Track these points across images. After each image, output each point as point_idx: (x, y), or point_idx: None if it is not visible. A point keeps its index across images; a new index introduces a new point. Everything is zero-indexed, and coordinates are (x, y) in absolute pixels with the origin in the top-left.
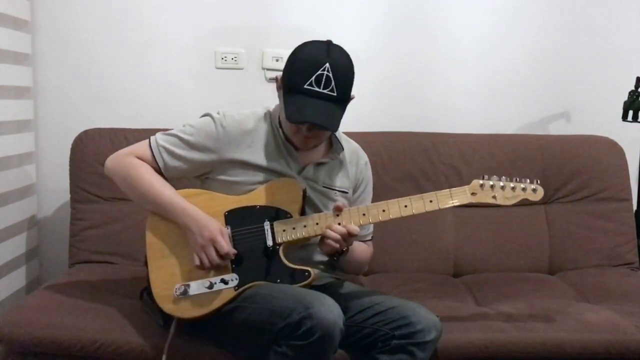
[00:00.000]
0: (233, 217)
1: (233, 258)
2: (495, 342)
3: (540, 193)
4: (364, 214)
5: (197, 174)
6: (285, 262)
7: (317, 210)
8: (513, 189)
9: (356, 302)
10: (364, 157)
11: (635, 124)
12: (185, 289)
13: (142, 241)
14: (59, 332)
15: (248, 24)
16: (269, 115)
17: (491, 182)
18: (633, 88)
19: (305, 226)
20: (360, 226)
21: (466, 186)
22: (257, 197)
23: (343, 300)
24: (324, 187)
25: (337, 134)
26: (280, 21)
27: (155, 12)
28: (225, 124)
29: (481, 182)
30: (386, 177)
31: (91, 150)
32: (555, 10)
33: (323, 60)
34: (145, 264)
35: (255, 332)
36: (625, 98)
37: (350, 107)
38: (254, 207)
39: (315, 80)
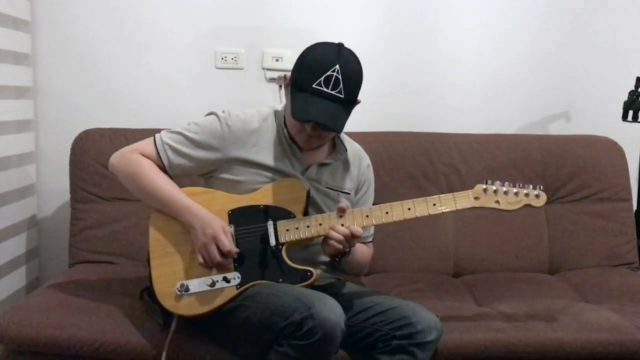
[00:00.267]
0: (236, 216)
1: (235, 257)
2: (495, 342)
3: (543, 199)
4: (367, 216)
5: (202, 173)
6: (288, 261)
7: (320, 210)
8: (516, 194)
9: (357, 302)
10: (366, 159)
11: (635, 124)
12: (187, 286)
13: (142, 240)
14: (59, 332)
15: (248, 24)
16: (274, 115)
17: (494, 187)
18: (633, 88)
19: (308, 226)
20: (363, 228)
21: (469, 190)
22: (261, 197)
23: (344, 301)
24: (327, 187)
25: (340, 135)
26: (280, 21)
27: (155, 12)
28: (231, 123)
29: (484, 186)
30: (386, 177)
31: (91, 150)
32: (556, 11)
33: (333, 62)
34: (148, 260)
35: (256, 331)
36: (625, 98)
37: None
38: (257, 206)
39: (324, 80)
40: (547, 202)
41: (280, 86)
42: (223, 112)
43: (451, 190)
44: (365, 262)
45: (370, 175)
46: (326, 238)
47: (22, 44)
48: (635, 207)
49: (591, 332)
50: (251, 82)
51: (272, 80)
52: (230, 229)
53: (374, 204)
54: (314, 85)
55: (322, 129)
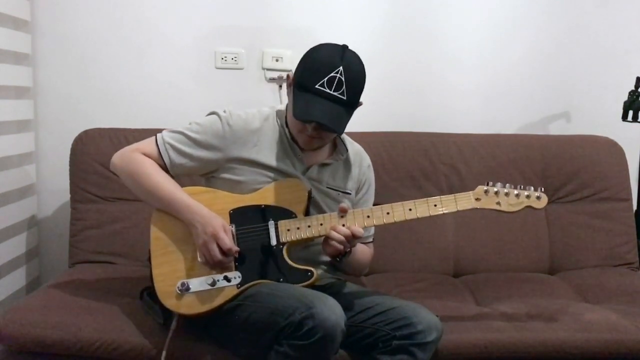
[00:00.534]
0: (238, 216)
1: (236, 256)
2: (495, 342)
3: (544, 201)
4: (368, 216)
5: (203, 172)
6: (289, 261)
7: (321, 210)
8: (517, 196)
9: (357, 302)
10: (367, 160)
11: (635, 124)
12: (187, 285)
13: (143, 240)
14: (59, 332)
15: (248, 24)
16: (275, 115)
17: (495, 189)
18: (633, 88)
19: (309, 226)
20: (364, 228)
21: (471, 192)
22: (262, 197)
23: (344, 301)
24: (327, 187)
25: (341, 135)
26: (280, 21)
27: (155, 12)
28: (232, 123)
29: (485, 188)
30: (386, 177)
31: (91, 150)
32: (555, 11)
33: (337, 64)
34: (149, 259)
35: (256, 330)
36: (625, 98)
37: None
38: (259, 206)
39: (327, 81)
40: (547, 202)
41: (280, 86)
42: (224, 111)
43: (451, 190)
44: (366, 262)
45: (370, 175)
46: (327, 238)
47: (22, 44)
48: (635, 207)
49: (591, 332)
50: (251, 82)
51: (272, 80)
52: (231, 228)
53: (374, 204)
54: (316, 86)
55: (324, 129)
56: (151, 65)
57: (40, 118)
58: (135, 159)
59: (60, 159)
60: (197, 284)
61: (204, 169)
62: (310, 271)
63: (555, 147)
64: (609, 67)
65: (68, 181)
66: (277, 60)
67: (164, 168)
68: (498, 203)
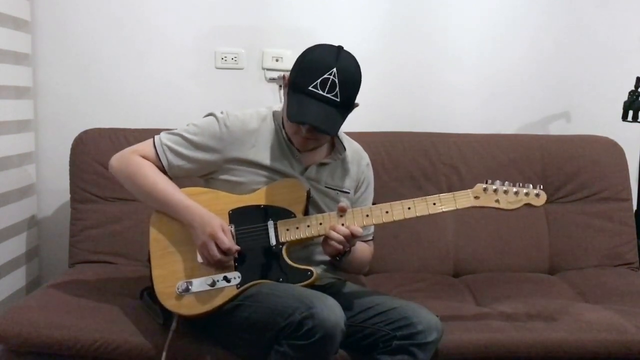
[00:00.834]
0: (237, 216)
1: (236, 255)
2: (495, 342)
3: (543, 198)
4: (367, 215)
5: (201, 174)
6: (288, 261)
7: (320, 210)
8: (516, 193)
9: (357, 302)
10: (365, 158)
11: (635, 124)
12: (187, 286)
13: (142, 240)
14: (59, 332)
15: (248, 24)
16: (272, 115)
17: (494, 187)
18: (633, 88)
19: (308, 226)
20: (363, 227)
21: (469, 190)
22: (261, 197)
23: (344, 301)
24: (326, 187)
25: (339, 134)
26: (280, 21)
27: (155, 13)
28: (229, 124)
29: (484, 186)
30: (386, 177)
31: (91, 150)
32: (555, 11)
33: (331, 65)
34: (149, 260)
35: (256, 331)
36: (625, 98)
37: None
38: (258, 206)
39: (321, 83)
40: (547, 202)
41: (280, 86)
42: (222, 112)
43: (451, 190)
44: (366, 261)
45: (369, 174)
46: (326, 238)
47: (22, 44)
48: (635, 207)
49: (591, 332)
50: (251, 82)
51: (272, 80)
52: (230, 228)
53: (373, 204)
54: (310, 88)
55: (317, 131)
56: (151, 65)
57: (40, 118)
58: (134, 161)
59: (60, 159)
60: (197, 284)
61: (203, 171)
62: (310, 271)
63: (555, 147)
64: (609, 67)
65: (68, 181)
66: (277, 60)
67: (162, 170)
68: (497, 201)
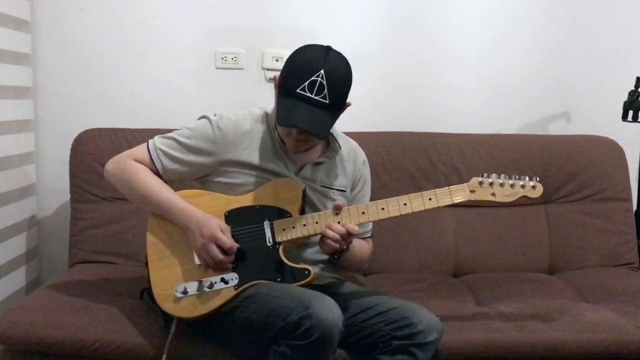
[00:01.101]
0: (233, 217)
1: (234, 252)
2: (495, 342)
3: (539, 190)
4: (363, 212)
5: (196, 177)
6: (285, 261)
7: (316, 209)
8: (512, 186)
9: (357, 302)
10: (361, 155)
11: (635, 124)
12: (185, 288)
13: (142, 241)
14: (59, 332)
15: (248, 24)
16: (265, 116)
17: (490, 180)
18: (633, 88)
19: (304, 225)
20: (360, 224)
21: (465, 184)
22: (257, 197)
23: (344, 300)
24: (322, 186)
25: (334, 132)
26: (280, 21)
27: (155, 12)
28: (222, 126)
29: (480, 179)
30: (386, 177)
31: (91, 150)
32: (555, 11)
33: (319, 67)
34: (146, 264)
35: (255, 331)
36: (625, 98)
37: (350, 107)
38: (253, 207)
39: (309, 85)
40: (547, 202)
41: None
42: (215, 115)
43: None
44: (365, 258)
45: (366, 171)
46: (323, 237)
47: (22, 44)
48: (635, 207)
49: (591, 332)
50: (251, 82)
51: (272, 80)
52: (227, 227)
53: (371, 201)
54: (298, 90)
55: (307, 134)
56: (151, 65)
57: (40, 118)
58: (129, 166)
59: (60, 159)
60: (195, 287)
61: (197, 174)
62: (307, 270)
63: (555, 147)
64: (609, 67)
65: (68, 181)
66: (277, 60)
67: (157, 174)
68: (493, 194)
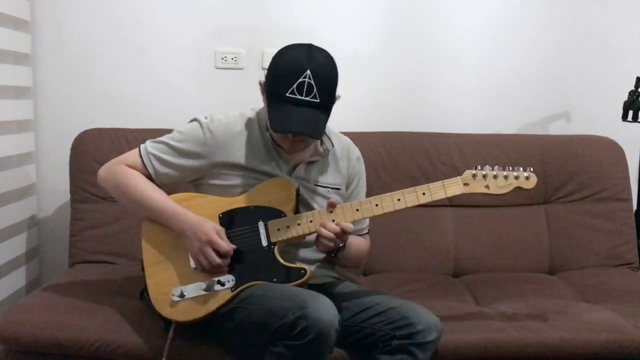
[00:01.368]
0: (227, 219)
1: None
2: (495, 342)
3: (533, 180)
4: (357, 210)
5: (189, 180)
6: (281, 261)
7: (311, 208)
8: (505, 177)
9: (356, 301)
10: (355, 152)
11: (635, 124)
12: (182, 292)
13: (140, 244)
14: (59, 332)
15: (248, 24)
16: (256, 117)
17: (484, 172)
18: (633, 88)
19: (299, 224)
20: (355, 221)
21: (458, 177)
22: (251, 198)
23: (343, 300)
24: (315, 185)
25: (326, 130)
26: (280, 21)
27: (155, 13)
28: (213, 128)
29: (473, 172)
30: (386, 177)
31: (91, 150)
32: (555, 10)
33: (304, 67)
34: (142, 269)
35: (252, 332)
36: (625, 98)
37: (350, 107)
38: (247, 208)
39: (297, 88)
40: (547, 202)
41: None
42: (205, 117)
43: None
44: (363, 254)
45: (360, 168)
46: (318, 236)
47: (22, 44)
48: (635, 207)
49: (591, 332)
50: (251, 82)
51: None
52: (222, 229)
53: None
54: (288, 94)
55: (304, 136)
56: (151, 65)
57: (40, 118)
58: (122, 171)
59: (60, 159)
60: (191, 290)
61: (190, 177)
62: (304, 269)
63: (555, 147)
64: (609, 67)
65: (68, 181)
66: None
67: (150, 178)
68: (487, 186)
